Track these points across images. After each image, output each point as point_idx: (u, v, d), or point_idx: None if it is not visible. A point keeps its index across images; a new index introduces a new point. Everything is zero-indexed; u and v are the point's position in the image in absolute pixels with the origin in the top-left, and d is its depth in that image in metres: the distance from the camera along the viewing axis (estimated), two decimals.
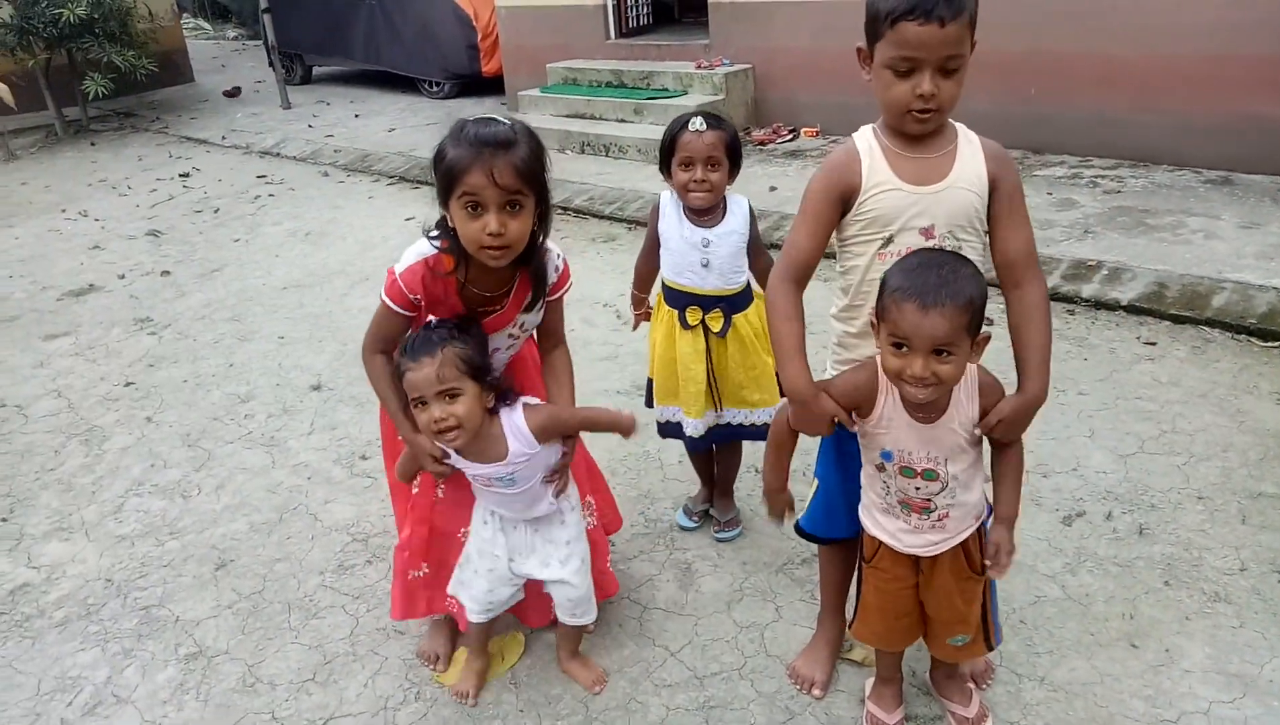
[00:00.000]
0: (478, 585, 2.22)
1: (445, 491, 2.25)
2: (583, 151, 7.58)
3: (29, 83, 9.74)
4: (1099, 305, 4.13)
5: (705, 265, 2.48)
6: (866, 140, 1.83)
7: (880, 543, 1.91)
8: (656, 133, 7.05)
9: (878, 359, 1.77)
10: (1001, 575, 1.86)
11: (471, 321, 2.01)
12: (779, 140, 7.29)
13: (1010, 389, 1.80)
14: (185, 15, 18.39)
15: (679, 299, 2.55)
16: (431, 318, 2.00)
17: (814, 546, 2.34)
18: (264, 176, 8.02)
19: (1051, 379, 1.84)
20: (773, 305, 1.90)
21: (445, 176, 1.81)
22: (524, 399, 2.10)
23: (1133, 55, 5.72)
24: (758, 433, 2.65)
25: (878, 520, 1.91)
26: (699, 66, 7.69)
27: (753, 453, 3.06)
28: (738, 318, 2.55)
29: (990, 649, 2.03)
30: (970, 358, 1.68)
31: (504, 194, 1.79)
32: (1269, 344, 3.69)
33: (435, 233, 1.95)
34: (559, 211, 6.16)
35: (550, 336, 2.22)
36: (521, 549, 2.20)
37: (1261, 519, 2.70)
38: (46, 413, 3.97)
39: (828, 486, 2.09)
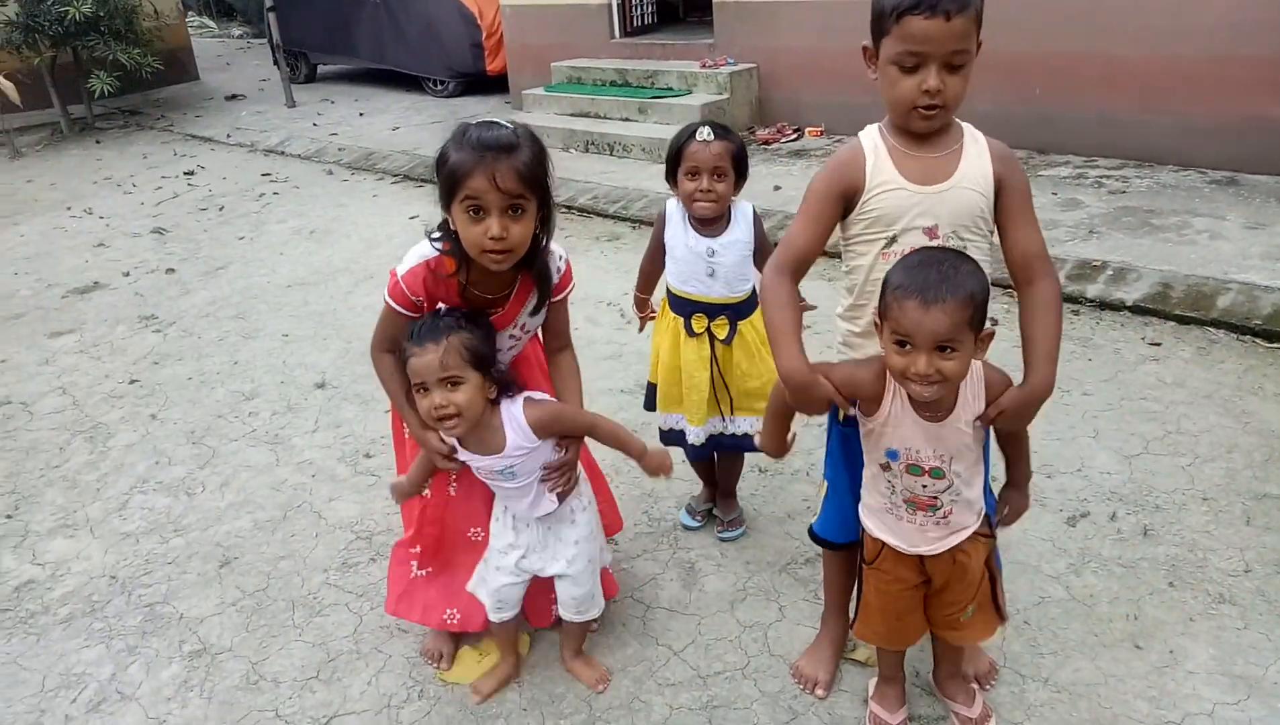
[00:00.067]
0: (494, 581, 2.23)
1: (458, 489, 2.25)
2: (587, 150, 7.59)
3: (35, 80, 9.76)
4: (1104, 305, 4.12)
5: (711, 274, 2.49)
6: (872, 139, 1.82)
7: (883, 545, 1.91)
8: (661, 132, 7.12)
9: (883, 359, 1.77)
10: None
11: (481, 313, 2.01)
12: (783, 140, 7.29)
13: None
14: (190, 13, 18.43)
15: (684, 307, 2.55)
16: (441, 306, 1.99)
17: (817, 546, 2.34)
18: (269, 174, 8.03)
19: (1056, 379, 1.83)
20: (766, 294, 1.88)
21: (447, 180, 1.82)
22: (528, 393, 2.09)
23: (1138, 56, 5.71)
24: (754, 443, 2.65)
25: (882, 522, 1.91)
26: (703, 66, 7.69)
27: (755, 453, 3.06)
28: (743, 324, 2.55)
29: (1002, 620, 2.02)
30: (975, 354, 1.68)
31: (506, 198, 1.79)
32: (1274, 345, 3.68)
33: (437, 235, 1.95)
34: (563, 211, 6.16)
35: (556, 338, 2.22)
36: (534, 546, 2.21)
37: (1266, 520, 2.70)
38: (51, 410, 3.98)
39: (838, 489, 2.09)
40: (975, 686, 2.15)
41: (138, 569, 2.88)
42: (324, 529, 3.02)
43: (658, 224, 2.60)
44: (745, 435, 2.64)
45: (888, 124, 1.82)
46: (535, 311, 2.09)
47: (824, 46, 6.94)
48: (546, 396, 2.15)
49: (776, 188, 5.98)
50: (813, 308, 2.75)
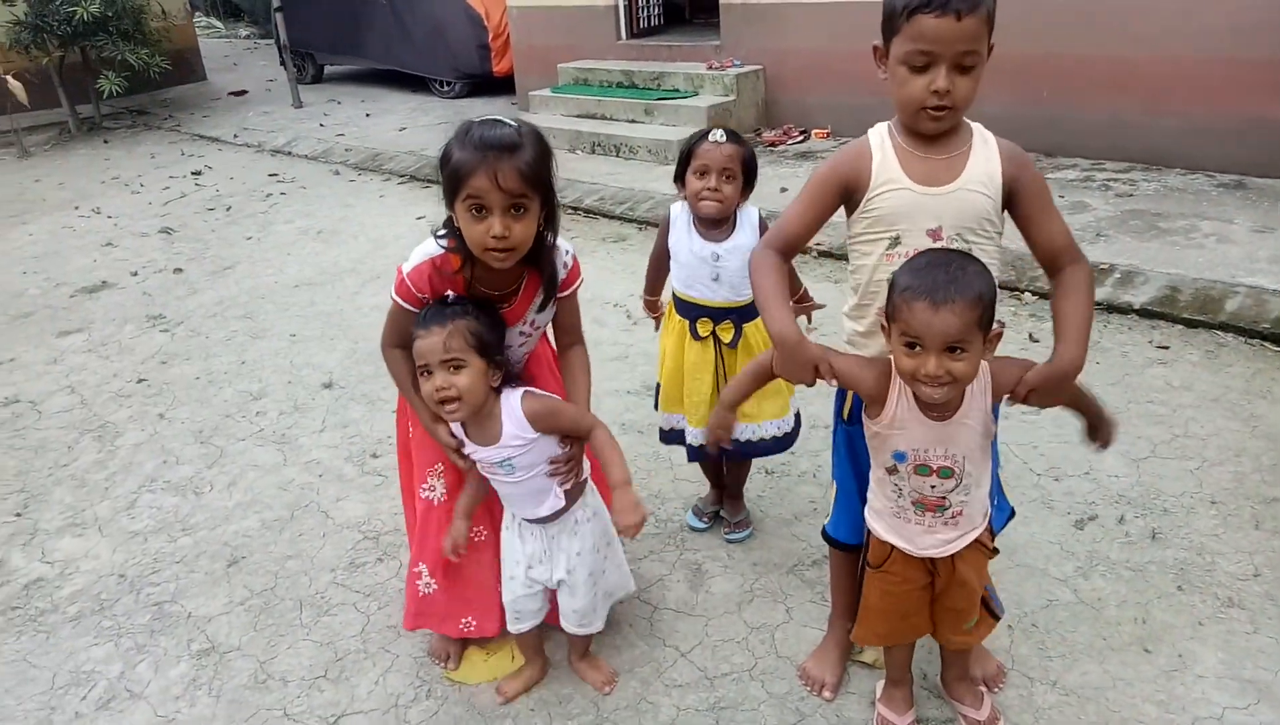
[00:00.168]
0: (508, 593, 2.23)
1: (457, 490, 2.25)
2: (593, 151, 7.59)
3: (43, 80, 9.80)
4: (1111, 308, 4.11)
5: (715, 278, 2.49)
6: (880, 136, 1.82)
7: (892, 548, 1.91)
8: (667, 133, 7.13)
9: (886, 362, 1.78)
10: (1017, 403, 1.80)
11: (491, 304, 2.02)
12: (790, 142, 7.28)
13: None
14: (197, 14, 18.47)
15: (690, 311, 2.56)
16: (450, 293, 2.00)
17: (824, 548, 2.34)
18: (276, 175, 8.05)
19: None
20: (753, 264, 1.87)
21: (450, 179, 1.83)
22: (530, 388, 2.09)
23: (1145, 58, 5.70)
24: (765, 448, 2.65)
25: (889, 525, 1.91)
26: (710, 67, 7.69)
27: (762, 458, 3.06)
28: (748, 328, 2.55)
29: (996, 620, 2.03)
30: (984, 354, 1.68)
31: (508, 197, 1.79)
32: None
33: (442, 232, 1.96)
34: (569, 212, 6.17)
35: (566, 333, 2.22)
36: (539, 555, 2.20)
37: (1275, 524, 2.69)
38: (60, 409, 3.99)
39: (846, 489, 2.09)
40: (983, 689, 2.15)
41: (146, 568, 2.89)
42: (331, 529, 3.02)
43: (661, 229, 2.60)
44: (750, 441, 2.64)
45: (897, 123, 1.81)
46: (542, 308, 2.09)
47: (831, 48, 6.94)
48: (552, 395, 2.14)
49: (783, 190, 5.97)
50: (821, 307, 2.75)
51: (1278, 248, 4.42)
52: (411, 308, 2.01)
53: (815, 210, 1.85)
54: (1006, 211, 1.82)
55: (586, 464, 2.22)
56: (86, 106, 10.50)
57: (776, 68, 7.60)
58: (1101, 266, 4.39)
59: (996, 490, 1.96)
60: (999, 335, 1.69)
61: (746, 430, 2.62)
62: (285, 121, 10.09)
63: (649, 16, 8.99)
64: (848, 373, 1.79)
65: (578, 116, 8.12)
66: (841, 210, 1.89)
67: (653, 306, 2.80)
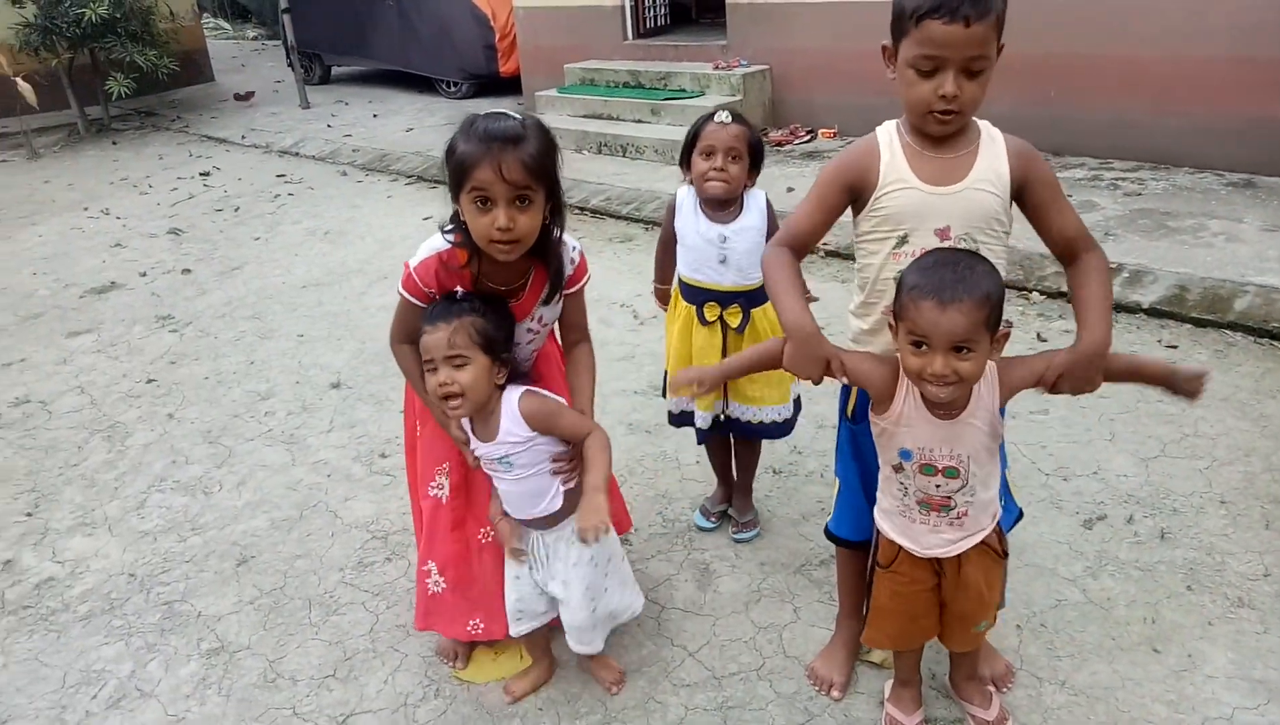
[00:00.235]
0: (511, 593, 2.22)
1: (464, 491, 2.25)
2: (600, 152, 7.60)
3: (52, 82, 9.84)
4: (1120, 308, 4.10)
5: (723, 261, 2.48)
6: (889, 135, 1.82)
7: (899, 548, 1.91)
8: (674, 133, 7.13)
9: (894, 360, 1.78)
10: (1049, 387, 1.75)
11: (501, 301, 2.01)
12: (796, 141, 7.28)
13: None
14: (205, 15, 18.52)
15: (697, 295, 2.55)
16: (459, 289, 2.00)
17: (832, 548, 2.34)
18: (283, 175, 8.07)
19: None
20: (766, 261, 1.87)
21: (455, 171, 1.83)
22: (532, 388, 2.07)
23: (1153, 57, 5.68)
24: (766, 431, 2.65)
25: (896, 524, 1.91)
26: (716, 67, 7.69)
27: (770, 454, 3.07)
28: (756, 312, 2.54)
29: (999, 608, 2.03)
30: (990, 354, 1.68)
31: (512, 189, 1.80)
32: None
33: (449, 227, 1.97)
34: (576, 212, 6.17)
35: (572, 330, 2.22)
36: (539, 560, 2.18)
37: None
38: (70, 409, 4.01)
39: (849, 485, 2.09)
40: (992, 689, 2.15)
41: (156, 567, 2.90)
42: (340, 528, 3.03)
43: (668, 213, 2.59)
44: (749, 422, 2.64)
45: (905, 122, 1.81)
46: (549, 301, 2.09)
47: (838, 48, 6.93)
48: (554, 396, 2.11)
49: (790, 190, 5.97)
50: (814, 300, 2.75)
51: None
52: (419, 302, 2.01)
53: (824, 209, 1.86)
54: (1017, 205, 1.82)
55: None
56: (95, 108, 10.54)
57: (783, 67, 7.60)
58: (1110, 265, 4.37)
59: (1004, 492, 1.96)
60: (1007, 335, 1.68)
61: (748, 412, 2.63)
62: (293, 122, 10.12)
63: (655, 16, 8.99)
64: (857, 369, 1.79)
65: (584, 117, 8.12)
66: (849, 208, 1.89)
67: (664, 297, 2.77)
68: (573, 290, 2.13)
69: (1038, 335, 3.85)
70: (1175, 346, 3.76)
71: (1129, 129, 5.91)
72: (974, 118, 1.79)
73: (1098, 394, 3.46)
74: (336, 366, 4.24)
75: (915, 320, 1.62)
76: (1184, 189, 5.37)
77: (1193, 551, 2.61)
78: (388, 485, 3.25)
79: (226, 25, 20.28)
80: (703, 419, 2.64)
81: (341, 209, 6.92)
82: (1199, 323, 3.91)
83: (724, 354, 2.55)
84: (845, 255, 4.78)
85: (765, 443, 2.82)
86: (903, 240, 1.80)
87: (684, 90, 7.77)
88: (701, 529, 2.88)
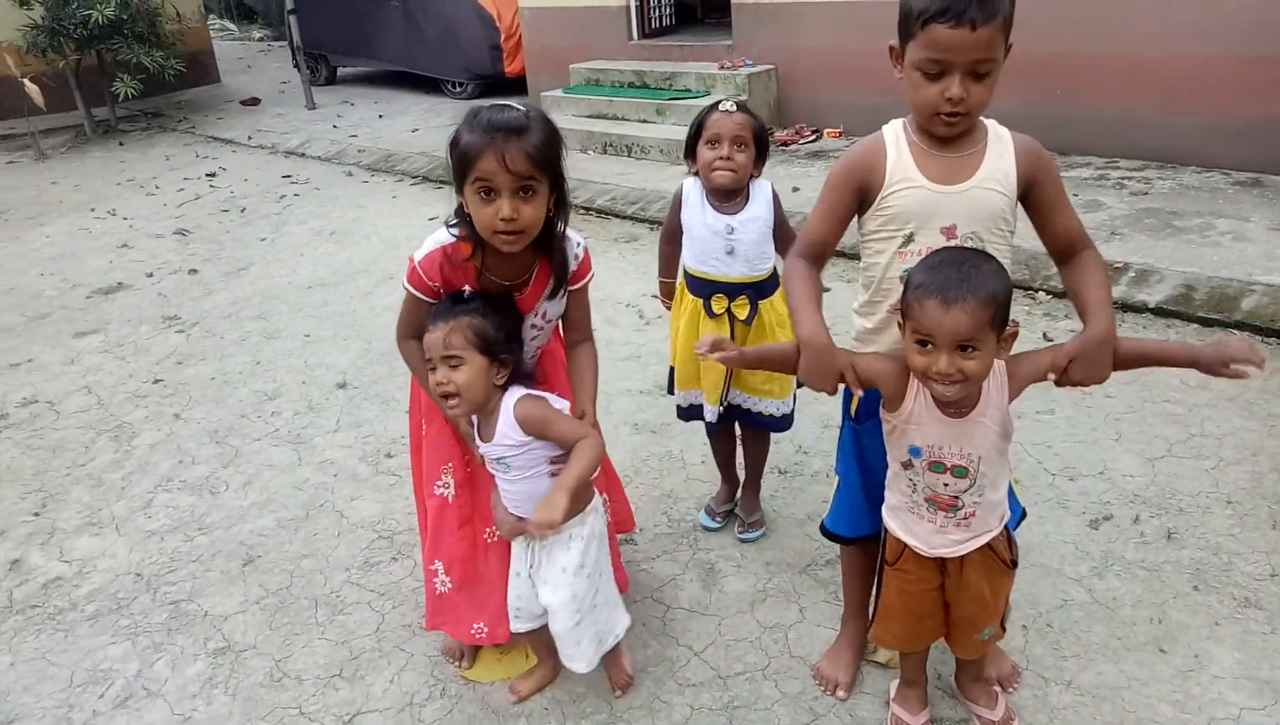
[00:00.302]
0: (512, 590, 2.21)
1: (470, 490, 2.25)
2: (605, 152, 7.60)
3: (59, 83, 9.88)
4: (1126, 307, 4.10)
5: (730, 252, 2.47)
6: (895, 134, 1.82)
7: (905, 545, 1.91)
8: (679, 133, 7.09)
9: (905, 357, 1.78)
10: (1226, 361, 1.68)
11: (509, 302, 2.00)
12: (802, 141, 7.27)
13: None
14: (211, 16, 18.57)
15: (704, 287, 2.54)
16: (466, 288, 2.00)
17: (837, 548, 2.34)
18: (289, 176, 8.09)
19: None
20: (786, 272, 1.91)
21: (459, 162, 1.84)
22: (531, 391, 2.04)
23: (1159, 56, 5.67)
24: (769, 423, 2.65)
25: (903, 522, 1.91)
26: (722, 67, 7.68)
27: (775, 455, 3.06)
28: (764, 304, 2.54)
29: (1003, 630, 2.02)
30: (997, 353, 1.67)
31: (516, 179, 1.80)
32: None
33: (454, 221, 1.97)
34: (581, 212, 6.18)
35: (576, 330, 2.20)
36: (537, 562, 2.16)
37: None
38: (77, 409, 4.02)
39: (849, 484, 2.09)
40: (998, 689, 2.15)
41: (163, 567, 2.91)
42: (346, 528, 3.04)
43: (673, 205, 2.58)
44: (750, 412, 2.65)
45: (911, 121, 1.81)
46: (554, 295, 2.08)
47: (843, 48, 6.93)
48: (552, 399, 2.06)
49: (795, 189, 5.97)
50: (827, 290, 2.75)
51: None
52: (423, 296, 2.01)
53: (836, 213, 1.87)
54: (1020, 204, 1.82)
55: (598, 496, 2.17)
56: (102, 109, 10.58)
57: (788, 67, 7.59)
58: (1116, 265, 4.37)
59: (1008, 492, 1.96)
60: (1014, 334, 1.68)
61: (749, 401, 2.63)
62: (299, 123, 10.14)
63: (661, 16, 9.00)
64: (869, 370, 1.80)
65: (589, 117, 8.13)
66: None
67: (669, 290, 2.76)
68: (577, 286, 2.13)
69: (1044, 335, 3.85)
70: None
71: (1135, 128, 5.90)
72: (981, 117, 1.79)
73: (1103, 393, 3.48)
74: (342, 366, 4.25)
75: (920, 319, 1.63)
76: (1191, 188, 5.36)
77: (1199, 552, 2.60)
78: (394, 485, 3.25)
79: (233, 26, 20.34)
80: (712, 413, 2.64)
81: (347, 209, 6.94)
82: (1206, 322, 3.90)
83: None
84: (850, 254, 4.77)
85: (771, 443, 2.82)
86: (909, 239, 1.80)
87: (689, 90, 7.77)
88: (707, 529, 2.88)
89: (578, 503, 2.01)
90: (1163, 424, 3.22)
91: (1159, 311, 4.02)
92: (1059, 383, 1.75)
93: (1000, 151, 1.78)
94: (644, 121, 7.74)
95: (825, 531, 2.19)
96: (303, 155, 8.91)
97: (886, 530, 1.96)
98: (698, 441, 2.80)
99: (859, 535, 2.12)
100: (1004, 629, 2.03)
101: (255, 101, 11.62)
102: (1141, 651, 2.28)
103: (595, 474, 2.04)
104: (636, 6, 8.62)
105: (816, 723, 2.17)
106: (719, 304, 2.52)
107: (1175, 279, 4.17)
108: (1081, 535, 2.71)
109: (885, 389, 1.81)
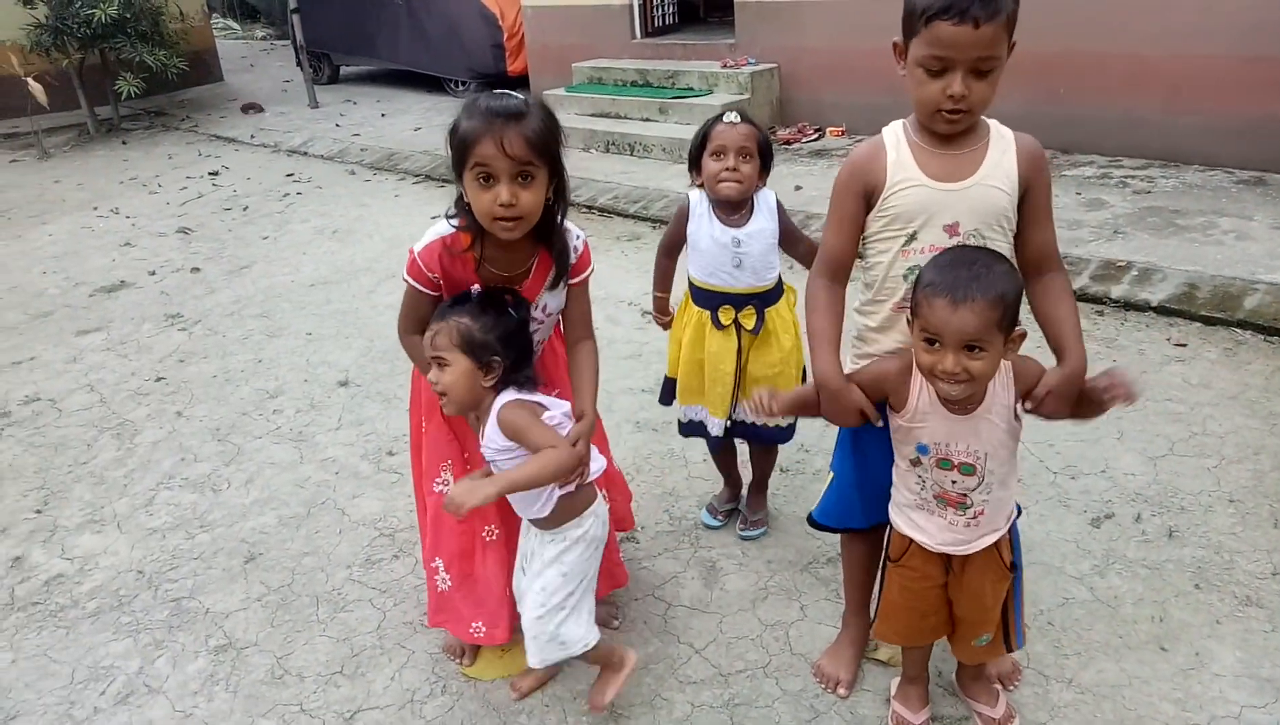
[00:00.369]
0: (514, 579, 2.21)
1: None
2: (607, 150, 7.60)
3: (62, 82, 9.89)
4: (1128, 306, 4.09)
5: (738, 265, 2.47)
6: (895, 134, 1.83)
7: (911, 541, 1.91)
8: (681, 132, 7.13)
9: (910, 353, 1.78)
10: (1128, 393, 1.71)
11: (508, 302, 1.98)
12: (804, 140, 7.27)
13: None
14: (214, 15, 18.59)
15: (710, 300, 2.54)
16: (475, 287, 2.00)
17: (839, 545, 2.34)
18: (292, 175, 8.10)
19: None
20: (807, 298, 1.94)
21: (458, 148, 1.84)
22: (522, 396, 1.97)
23: (1163, 55, 5.66)
24: (775, 435, 2.65)
25: (910, 518, 1.91)
26: (724, 66, 7.68)
27: (783, 454, 3.06)
28: (769, 311, 2.54)
29: (1009, 650, 2.02)
30: (1004, 354, 1.68)
31: (515, 164, 1.80)
32: None
33: (453, 212, 1.97)
34: (583, 210, 6.18)
35: (576, 326, 2.18)
36: (526, 554, 2.16)
37: None
38: (79, 407, 4.03)
39: (841, 478, 2.10)
40: (998, 687, 2.15)
41: (164, 564, 2.92)
42: (347, 526, 3.04)
43: (677, 218, 2.57)
44: (753, 425, 2.64)
45: (912, 120, 1.82)
46: (554, 286, 2.07)
47: (846, 46, 6.92)
48: (550, 402, 2.02)
49: (798, 188, 5.97)
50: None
51: None
52: (423, 289, 2.01)
53: (847, 221, 1.88)
54: None
55: (602, 498, 2.15)
56: (105, 108, 10.58)
57: (791, 66, 7.59)
58: (1119, 263, 4.36)
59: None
60: (1022, 336, 1.69)
61: (753, 415, 2.62)
62: (301, 122, 10.15)
63: (663, 15, 9.00)
64: (877, 379, 1.83)
65: (592, 116, 8.13)
66: None
67: (663, 306, 2.75)
68: (577, 280, 2.12)
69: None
70: (1184, 344, 3.74)
71: (1138, 127, 5.89)
72: (983, 116, 1.80)
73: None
74: (345, 364, 4.25)
75: (928, 317, 1.63)
76: (1194, 187, 5.35)
77: (1201, 550, 2.60)
78: (395, 483, 3.26)
79: (235, 25, 20.36)
80: (718, 427, 2.63)
81: (350, 208, 6.94)
82: (1209, 321, 3.89)
83: (739, 357, 2.55)
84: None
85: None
86: (911, 237, 1.80)
87: (692, 89, 7.77)
88: (708, 527, 2.88)
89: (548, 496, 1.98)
90: (1164, 423, 3.21)
91: (1161, 310, 4.01)
92: (1030, 411, 1.78)
93: (1002, 149, 1.78)
94: (646, 120, 7.73)
95: (811, 521, 2.20)
96: (305, 154, 8.92)
97: (892, 527, 1.96)
98: (699, 440, 2.80)
99: (847, 527, 2.14)
100: (1009, 647, 2.00)
101: (258, 108, 11.32)
102: (1143, 649, 2.27)
103: (578, 479, 2.01)
104: (639, 5, 8.62)
105: (817, 720, 2.17)
106: (726, 315, 2.52)
107: (1178, 278, 4.17)
108: (1083, 533, 2.70)
109: (890, 388, 1.81)
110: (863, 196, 1.84)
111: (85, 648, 2.58)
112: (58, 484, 3.43)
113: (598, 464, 2.10)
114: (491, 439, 1.99)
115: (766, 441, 2.73)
